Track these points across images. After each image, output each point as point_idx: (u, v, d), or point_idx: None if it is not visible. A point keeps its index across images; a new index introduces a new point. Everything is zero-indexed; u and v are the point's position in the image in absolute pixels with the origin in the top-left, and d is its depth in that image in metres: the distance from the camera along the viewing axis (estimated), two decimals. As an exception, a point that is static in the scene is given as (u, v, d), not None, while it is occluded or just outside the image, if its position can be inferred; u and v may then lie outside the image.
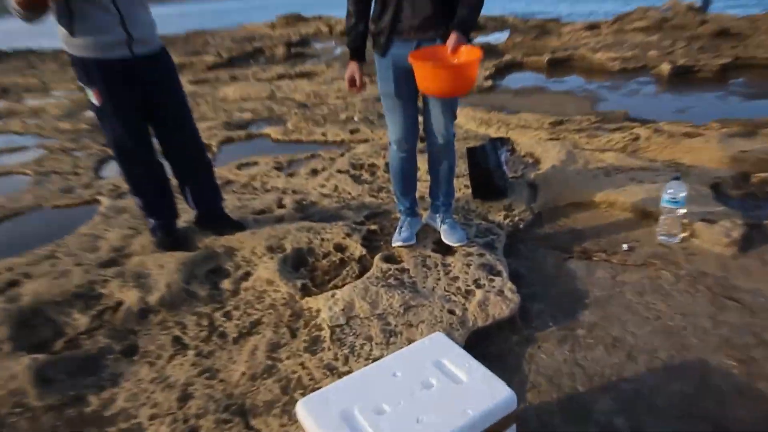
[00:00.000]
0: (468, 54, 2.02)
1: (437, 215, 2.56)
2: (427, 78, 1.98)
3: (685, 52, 6.60)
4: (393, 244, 2.49)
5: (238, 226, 2.78)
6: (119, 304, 2.25)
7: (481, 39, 10.30)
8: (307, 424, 1.24)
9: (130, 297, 2.25)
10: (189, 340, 2.04)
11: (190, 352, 1.97)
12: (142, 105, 2.43)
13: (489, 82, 6.45)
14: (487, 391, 1.27)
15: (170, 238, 2.68)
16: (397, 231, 2.52)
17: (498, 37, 10.33)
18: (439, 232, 2.54)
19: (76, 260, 2.64)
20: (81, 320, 2.21)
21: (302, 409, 1.26)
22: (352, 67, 2.30)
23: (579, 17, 14.23)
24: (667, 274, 2.24)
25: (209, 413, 1.67)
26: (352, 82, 2.32)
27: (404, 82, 2.18)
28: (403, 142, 2.34)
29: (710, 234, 2.40)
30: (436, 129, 2.33)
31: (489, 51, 8.84)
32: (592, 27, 9.80)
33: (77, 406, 1.77)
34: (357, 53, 2.29)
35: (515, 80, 6.85)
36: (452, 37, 2.00)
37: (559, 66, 7.33)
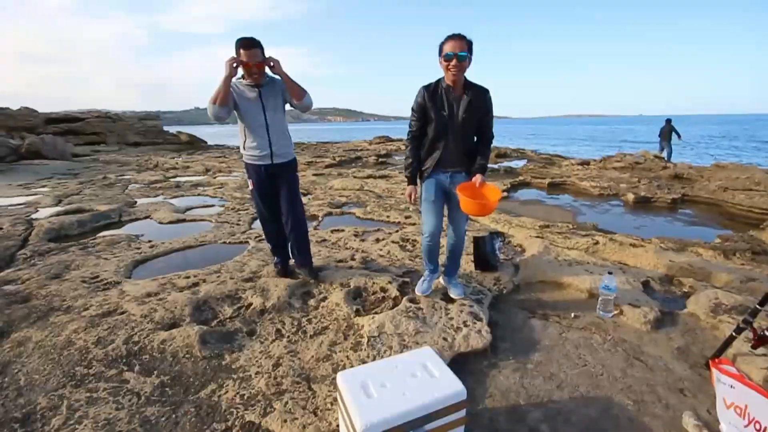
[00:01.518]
0: (493, 193, 2.20)
1: (446, 278, 2.62)
2: (468, 206, 2.08)
3: (647, 187, 6.44)
4: (416, 291, 2.54)
5: (316, 273, 2.82)
6: (250, 304, 2.47)
7: (506, 164, 10.51)
8: (341, 386, 1.42)
9: (257, 301, 2.47)
10: (285, 332, 2.22)
11: (284, 340, 2.15)
12: (276, 192, 2.62)
13: (504, 194, 6.56)
14: (449, 385, 1.41)
15: (285, 271, 2.82)
16: (420, 282, 2.58)
17: (517, 164, 10.49)
18: (447, 288, 2.59)
19: (231, 276, 2.85)
20: (228, 311, 2.41)
21: (340, 378, 1.45)
22: (410, 189, 2.39)
23: (576, 155, 14.18)
24: (598, 337, 2.24)
25: (289, 376, 1.86)
26: (410, 197, 2.40)
27: (439, 196, 2.34)
28: (433, 233, 2.37)
29: (633, 314, 2.40)
30: (455, 227, 2.43)
31: (509, 172, 9.03)
32: (584, 163, 9.77)
33: (218, 359, 2.00)
34: (413, 180, 2.39)
35: (523, 194, 6.89)
36: (479, 178, 2.22)
37: (556, 187, 7.34)
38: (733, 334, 1.85)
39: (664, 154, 10.15)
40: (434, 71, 2.35)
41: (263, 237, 2.93)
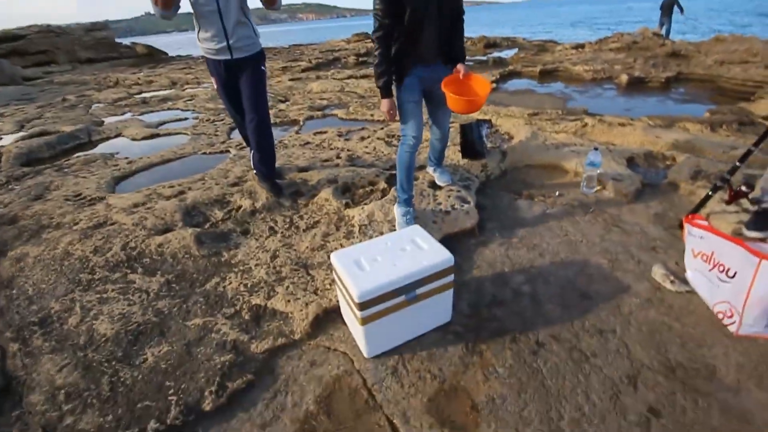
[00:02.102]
0: (482, 86, 2.00)
1: (432, 167, 2.61)
2: (457, 103, 1.91)
3: (641, 67, 6.16)
4: (396, 227, 2.11)
5: (280, 189, 2.60)
6: (240, 207, 2.49)
7: (496, 54, 9.85)
8: (335, 264, 1.50)
9: (246, 203, 2.49)
10: (278, 228, 2.29)
11: (278, 235, 2.22)
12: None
13: (494, 85, 6.28)
14: (437, 254, 1.50)
15: (273, 185, 2.58)
16: (400, 217, 2.12)
17: (508, 53, 9.83)
18: (433, 177, 2.60)
19: (216, 182, 2.83)
20: (218, 214, 2.45)
21: (333, 257, 1.52)
22: (388, 103, 2.06)
23: (573, 40, 13.24)
24: (580, 211, 2.33)
25: (287, 265, 1.96)
26: (389, 114, 2.09)
27: (421, 95, 2.13)
28: (417, 138, 2.10)
29: (615, 187, 2.47)
30: (440, 126, 2.36)
31: (499, 62, 8.51)
32: (579, 47, 9.17)
33: (217, 256, 2.08)
34: (389, 91, 2.04)
35: (513, 84, 6.57)
36: (462, 68, 2.01)
37: (548, 75, 6.97)
38: (709, 193, 1.93)
39: (663, 31, 9.49)
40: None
41: (244, 144, 2.78)
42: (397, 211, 2.18)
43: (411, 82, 2.08)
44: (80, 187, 3.06)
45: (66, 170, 3.56)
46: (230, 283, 1.90)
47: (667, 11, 9.89)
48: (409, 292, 1.44)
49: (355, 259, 1.50)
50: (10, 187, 3.24)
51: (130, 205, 2.56)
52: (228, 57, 2.27)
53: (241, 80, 2.35)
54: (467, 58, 9.95)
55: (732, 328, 1.48)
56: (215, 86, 2.41)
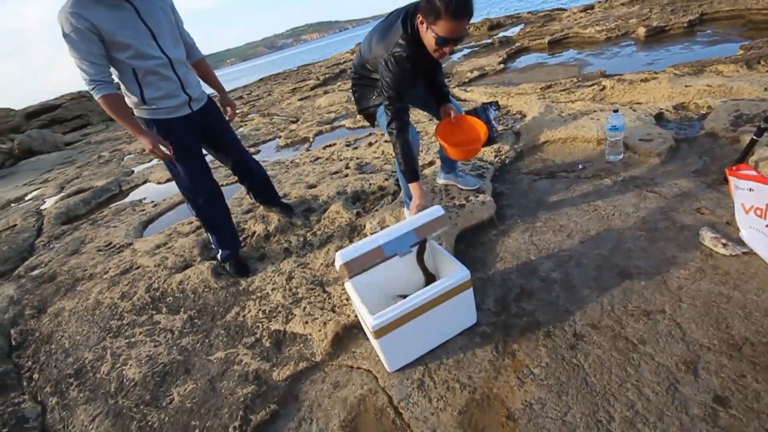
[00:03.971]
0: (477, 127, 1.90)
1: (452, 174, 2.31)
2: (457, 154, 1.87)
3: (658, 15, 5.71)
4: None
5: (289, 209, 2.54)
6: (254, 232, 2.49)
7: (501, 34, 9.52)
8: (337, 261, 1.36)
9: (259, 228, 2.49)
10: (292, 249, 2.26)
11: (293, 256, 2.19)
12: (204, 143, 2.08)
13: (501, 66, 6.02)
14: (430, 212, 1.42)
15: (242, 265, 2.19)
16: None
17: (513, 31, 9.48)
18: (455, 184, 2.32)
19: (232, 211, 2.75)
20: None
21: (337, 255, 1.37)
22: (421, 191, 1.71)
23: (580, 3, 12.61)
24: (608, 181, 2.14)
25: (303, 285, 1.92)
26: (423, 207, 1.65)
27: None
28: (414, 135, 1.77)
29: (645, 149, 2.25)
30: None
31: (504, 42, 8.21)
32: (587, 9, 8.69)
33: (235, 286, 2.07)
34: (416, 174, 1.71)
35: (522, 61, 6.25)
36: (452, 109, 1.89)
37: (557, 44, 6.58)
38: (754, 137, 1.69)
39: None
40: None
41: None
42: (406, 213, 2.07)
43: None
44: (111, 236, 3.20)
45: (99, 222, 3.75)
46: (249, 311, 1.87)
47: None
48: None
49: (356, 247, 1.42)
50: (50, 246, 3.45)
51: (153, 247, 2.63)
52: (188, 111, 1.92)
53: (210, 129, 2.06)
54: (474, 43, 9.62)
55: (807, 290, 1.25)
56: (164, 153, 1.80)
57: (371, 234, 2.09)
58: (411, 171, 1.70)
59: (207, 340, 1.79)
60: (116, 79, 1.75)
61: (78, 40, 1.56)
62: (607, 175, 2.21)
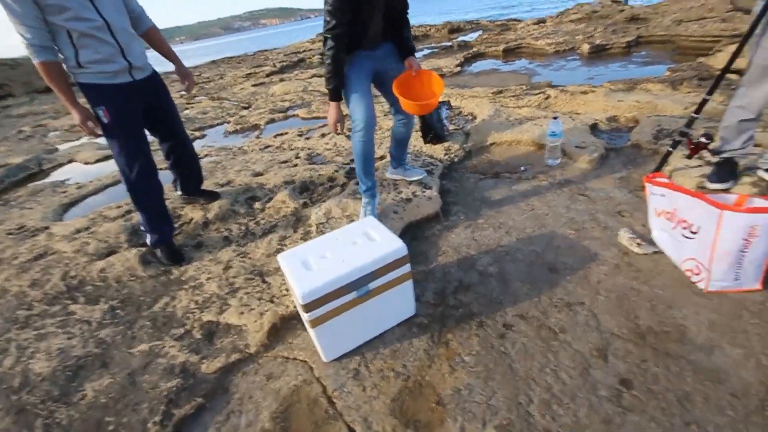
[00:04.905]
0: (436, 85, 1.92)
1: (400, 168, 2.36)
2: (411, 108, 1.85)
3: (601, 34, 6.17)
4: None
5: (215, 195, 2.50)
6: (191, 219, 2.37)
7: (461, 38, 9.79)
8: (282, 265, 1.41)
9: (197, 215, 2.37)
10: (232, 237, 2.17)
11: (233, 245, 2.11)
12: (143, 119, 1.98)
13: (458, 69, 6.21)
14: (388, 244, 1.41)
15: (175, 251, 2.08)
16: (365, 212, 2.03)
17: (472, 36, 9.79)
18: (402, 177, 2.36)
19: (166, 197, 2.44)
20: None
21: (280, 258, 1.43)
22: (336, 110, 1.90)
23: (535, 15, 13.29)
24: (545, 183, 2.29)
25: (241, 275, 1.85)
26: (335, 125, 1.94)
27: (368, 74, 1.95)
28: (369, 123, 1.89)
29: (579, 155, 2.43)
30: (407, 115, 2.10)
31: (463, 46, 8.45)
32: (540, 22, 9.20)
33: (165, 275, 1.96)
34: (338, 94, 1.88)
35: (477, 66, 6.51)
36: (413, 63, 1.93)
37: (511, 53, 6.92)
38: (670, 149, 1.88)
39: (622, -2, 9.58)
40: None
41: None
42: (361, 213, 2.05)
43: (357, 62, 1.92)
44: (24, 219, 2.88)
45: (12, 203, 3.36)
46: (180, 301, 1.78)
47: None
48: (360, 287, 1.34)
49: (302, 258, 1.40)
50: (-52, 227, 3.03)
51: (72, 232, 2.41)
52: (129, 79, 1.85)
53: (152, 104, 2.00)
54: (432, 45, 9.80)
55: (701, 285, 1.42)
56: (105, 118, 1.80)
57: (316, 225, 2.07)
58: (334, 90, 1.85)
59: (129, 332, 1.67)
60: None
61: (14, 3, 1.56)
62: (545, 177, 2.35)
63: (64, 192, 3.38)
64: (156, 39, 2.07)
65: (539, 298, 1.52)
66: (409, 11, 1.98)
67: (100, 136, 1.84)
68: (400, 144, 2.28)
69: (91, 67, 1.74)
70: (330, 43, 1.77)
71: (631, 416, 1.08)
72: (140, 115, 1.95)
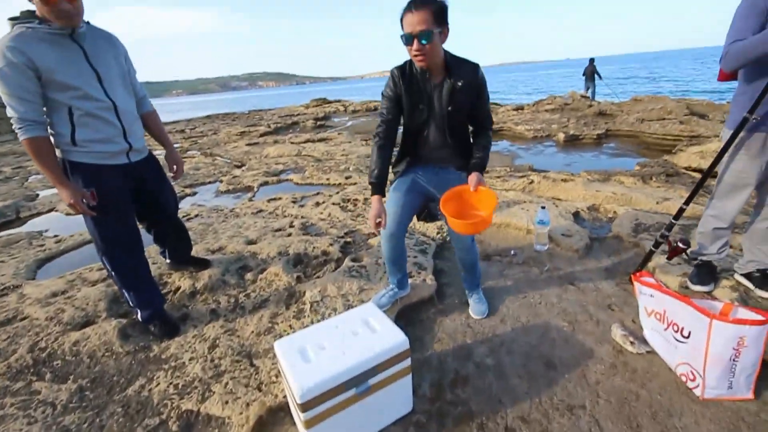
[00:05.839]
0: (487, 201, 1.63)
1: (468, 290, 2.07)
2: (457, 227, 1.57)
3: (574, 125, 6.80)
4: (372, 302, 1.65)
5: (205, 263, 2.43)
6: (178, 288, 2.27)
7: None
8: (278, 355, 1.33)
9: (185, 284, 2.28)
10: (220, 311, 2.08)
11: (220, 319, 2.00)
12: (134, 200, 1.90)
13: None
14: (390, 337, 1.38)
15: (170, 324, 1.96)
16: (382, 294, 1.98)
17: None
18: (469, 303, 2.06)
19: (152, 260, 2.52)
20: None
21: (276, 346, 1.36)
22: (376, 203, 1.67)
23: (512, 102, 14.57)
24: (536, 270, 2.35)
25: (227, 356, 1.74)
26: (375, 220, 1.67)
27: (413, 188, 1.82)
28: (393, 233, 1.78)
29: (566, 243, 2.54)
30: (456, 236, 1.83)
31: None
32: (519, 108, 10.08)
33: (144, 352, 1.82)
34: (380, 189, 1.69)
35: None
36: (474, 179, 1.62)
37: (494, 134, 7.48)
38: (652, 248, 1.99)
39: (590, 93, 10.72)
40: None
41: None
42: (382, 298, 1.97)
43: (405, 173, 1.84)
44: (-7, 274, 2.70)
45: (-20, 254, 3.16)
46: (157, 384, 1.64)
47: (590, 77, 11.26)
48: (360, 384, 1.28)
49: (300, 347, 1.35)
50: None
51: (48, 295, 2.26)
52: (125, 161, 1.80)
53: (145, 187, 1.94)
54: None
55: (697, 392, 1.43)
56: (92, 203, 1.70)
57: (310, 303, 2.02)
58: (374, 184, 1.70)
59: (98, 420, 1.51)
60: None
61: (10, 75, 1.48)
62: (535, 263, 2.42)
63: (41, 246, 3.23)
64: (152, 123, 2.03)
65: (539, 397, 1.49)
66: (491, 128, 1.79)
67: (94, 215, 1.72)
68: (464, 268, 1.98)
69: (87, 146, 1.66)
70: (378, 129, 1.71)
71: None
72: (130, 200, 1.87)
